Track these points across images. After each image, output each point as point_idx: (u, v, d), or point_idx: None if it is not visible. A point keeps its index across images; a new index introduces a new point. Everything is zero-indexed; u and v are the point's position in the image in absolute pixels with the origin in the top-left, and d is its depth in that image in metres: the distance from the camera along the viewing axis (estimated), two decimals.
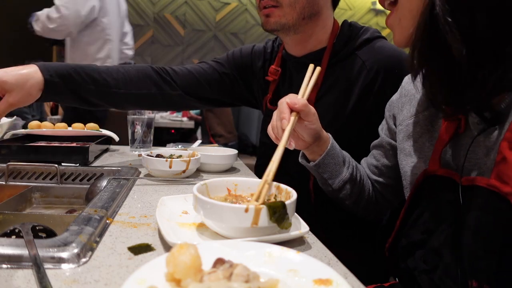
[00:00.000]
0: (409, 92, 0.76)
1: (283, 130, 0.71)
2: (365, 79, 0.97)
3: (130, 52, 2.65)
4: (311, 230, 0.61)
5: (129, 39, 2.65)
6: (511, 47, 0.47)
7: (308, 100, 0.99)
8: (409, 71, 0.67)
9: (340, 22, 1.06)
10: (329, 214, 0.98)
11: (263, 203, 0.56)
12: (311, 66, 0.81)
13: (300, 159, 0.88)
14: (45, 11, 2.22)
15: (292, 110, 0.73)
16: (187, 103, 1.15)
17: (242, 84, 1.19)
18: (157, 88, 1.08)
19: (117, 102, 1.07)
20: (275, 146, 0.70)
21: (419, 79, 0.57)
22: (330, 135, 0.84)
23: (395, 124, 0.81)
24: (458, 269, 0.54)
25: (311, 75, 0.81)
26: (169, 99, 1.11)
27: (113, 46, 2.39)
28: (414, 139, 0.70)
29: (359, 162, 0.94)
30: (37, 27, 2.24)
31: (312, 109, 0.76)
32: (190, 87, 1.12)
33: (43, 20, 2.21)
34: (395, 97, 0.83)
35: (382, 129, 0.87)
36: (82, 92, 0.99)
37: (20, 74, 0.86)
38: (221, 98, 1.19)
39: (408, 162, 0.71)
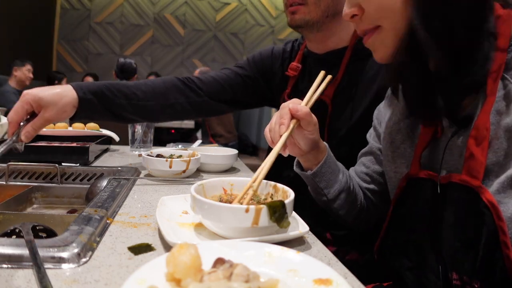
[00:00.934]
0: (392, 100, 0.78)
1: (280, 136, 0.70)
2: (383, 79, 0.98)
3: None
4: (313, 230, 0.61)
5: None
6: (478, 51, 0.54)
7: (325, 95, 1.01)
8: (388, 84, 0.76)
9: None
10: None
11: (262, 203, 0.56)
12: (322, 72, 0.79)
13: (295, 168, 0.86)
14: None
15: (293, 116, 0.71)
16: (214, 108, 1.18)
17: (264, 85, 1.21)
18: (184, 96, 1.12)
19: (150, 115, 1.10)
20: None
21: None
22: (326, 145, 0.83)
23: None
24: (440, 263, 0.57)
25: (320, 82, 0.78)
26: (196, 106, 1.14)
27: None
28: (396, 146, 0.72)
29: None
30: None
31: (314, 119, 0.74)
32: (215, 92, 1.16)
33: None
34: (382, 104, 0.84)
35: (371, 135, 0.88)
36: (114, 108, 1.02)
37: (55, 92, 0.91)
38: (245, 99, 1.22)
39: (392, 168, 0.73)
